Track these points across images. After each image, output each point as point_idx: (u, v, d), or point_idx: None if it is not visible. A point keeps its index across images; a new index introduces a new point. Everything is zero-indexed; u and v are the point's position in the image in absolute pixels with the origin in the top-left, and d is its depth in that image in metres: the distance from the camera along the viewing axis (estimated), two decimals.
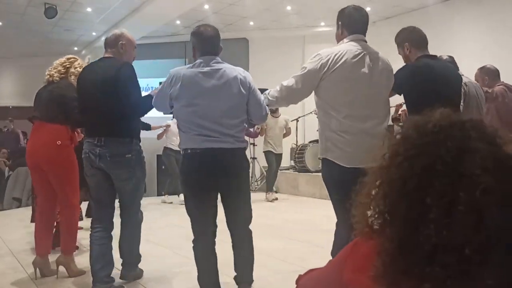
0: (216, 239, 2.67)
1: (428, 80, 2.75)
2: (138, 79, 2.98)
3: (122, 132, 2.94)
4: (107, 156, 2.90)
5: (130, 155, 2.94)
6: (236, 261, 2.69)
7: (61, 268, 3.44)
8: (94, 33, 10.20)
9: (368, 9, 3.34)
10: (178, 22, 9.42)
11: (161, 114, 3.21)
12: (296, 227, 5.53)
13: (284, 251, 4.28)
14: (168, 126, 7.43)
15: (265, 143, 7.93)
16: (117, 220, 3.14)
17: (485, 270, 0.70)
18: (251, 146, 8.72)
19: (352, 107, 2.47)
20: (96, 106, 2.94)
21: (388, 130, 2.65)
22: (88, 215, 5.70)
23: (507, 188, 0.73)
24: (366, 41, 2.61)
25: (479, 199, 0.71)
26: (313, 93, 2.60)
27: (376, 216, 0.81)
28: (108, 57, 3.06)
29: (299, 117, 8.78)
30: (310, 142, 8.92)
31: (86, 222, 5.42)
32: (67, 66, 3.50)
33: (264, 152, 7.96)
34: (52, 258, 3.49)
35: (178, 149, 7.75)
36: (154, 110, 2.93)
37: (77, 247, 4.27)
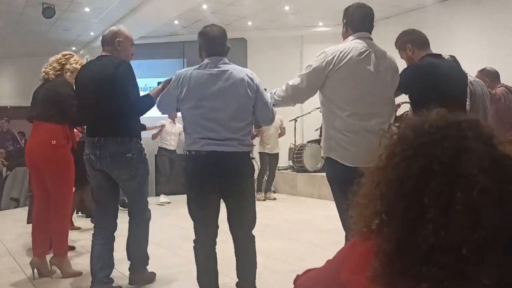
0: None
1: (433, 79, 2.73)
2: (137, 79, 2.96)
3: (121, 131, 2.91)
4: (107, 157, 2.88)
5: (131, 155, 2.92)
6: (238, 266, 2.64)
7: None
8: (92, 33, 10.19)
9: None
10: (176, 22, 9.41)
11: (156, 114, 3.19)
12: (295, 227, 5.54)
13: (282, 251, 4.28)
14: (163, 126, 7.43)
15: (261, 144, 7.94)
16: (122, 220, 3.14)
17: (482, 270, 0.71)
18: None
19: (357, 105, 2.46)
20: (94, 106, 2.92)
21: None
22: (87, 215, 5.70)
23: (504, 188, 0.73)
24: (371, 39, 2.60)
25: (476, 199, 0.71)
26: (317, 91, 2.59)
27: (374, 216, 0.82)
28: (106, 55, 3.01)
29: (297, 117, 8.78)
30: (308, 142, 8.93)
31: (85, 222, 5.42)
32: (63, 62, 3.46)
33: (259, 153, 7.97)
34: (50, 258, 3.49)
35: (172, 148, 7.77)
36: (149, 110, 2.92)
37: (73, 248, 4.26)
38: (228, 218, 2.60)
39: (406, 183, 0.76)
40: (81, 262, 3.80)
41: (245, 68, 2.62)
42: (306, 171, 8.38)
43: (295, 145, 8.84)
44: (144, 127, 4.45)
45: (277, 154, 8.13)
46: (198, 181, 2.53)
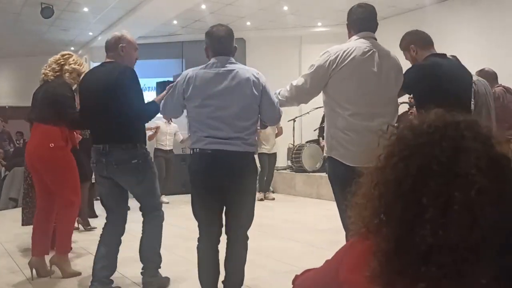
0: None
1: (436, 79, 2.72)
2: None
3: (126, 138, 2.90)
4: (113, 164, 2.89)
5: (137, 161, 2.91)
6: (228, 263, 2.65)
7: (56, 269, 3.43)
8: (90, 33, 10.17)
9: None
10: (175, 22, 9.40)
11: None
12: (293, 227, 5.54)
13: (281, 251, 4.28)
14: (158, 127, 7.43)
15: (258, 144, 7.94)
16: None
17: (480, 270, 0.71)
18: None
19: (359, 105, 2.46)
20: (99, 113, 2.92)
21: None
22: (90, 215, 5.65)
23: (502, 187, 0.73)
24: (375, 38, 2.59)
25: (474, 199, 0.71)
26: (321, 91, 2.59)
27: (372, 216, 0.82)
28: (109, 61, 3.00)
29: (296, 117, 8.78)
30: (307, 142, 8.93)
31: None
32: (62, 63, 3.44)
33: (258, 153, 7.97)
34: (48, 259, 3.48)
35: (168, 148, 7.77)
36: None
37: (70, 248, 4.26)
38: (225, 215, 2.61)
39: (404, 183, 0.76)
40: (81, 263, 3.80)
41: (251, 68, 2.63)
42: (304, 171, 8.38)
43: (293, 145, 8.84)
44: None
45: (275, 154, 8.14)
46: (202, 179, 2.54)
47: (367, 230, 0.83)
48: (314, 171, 8.33)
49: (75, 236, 4.65)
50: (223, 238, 2.65)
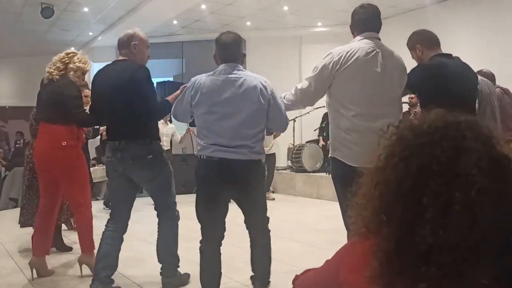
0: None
1: (441, 79, 2.73)
2: None
3: (141, 134, 2.94)
4: (129, 160, 2.92)
5: (152, 156, 2.95)
6: (254, 261, 2.72)
7: (57, 269, 3.43)
8: (91, 33, 10.18)
9: None
10: (175, 22, 9.40)
11: None
12: (294, 227, 5.53)
13: (281, 251, 4.26)
14: None
15: None
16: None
17: (480, 270, 0.71)
18: None
19: (363, 106, 2.46)
20: (114, 110, 2.95)
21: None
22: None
23: (502, 188, 0.73)
24: (379, 39, 2.59)
25: (475, 199, 0.71)
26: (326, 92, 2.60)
27: (373, 216, 0.82)
28: (122, 59, 3.03)
29: (296, 117, 8.78)
30: (307, 142, 8.92)
31: None
32: (66, 61, 3.42)
33: None
34: (49, 259, 3.49)
35: (165, 149, 7.77)
36: None
37: (70, 249, 4.25)
38: (244, 219, 2.69)
39: (405, 183, 0.76)
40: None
41: (259, 76, 2.64)
42: (304, 171, 8.38)
43: (293, 145, 8.84)
44: None
45: (274, 154, 8.16)
46: (207, 186, 2.57)
47: (367, 230, 0.83)
48: (314, 171, 8.32)
49: (74, 236, 4.66)
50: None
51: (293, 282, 1.11)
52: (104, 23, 9.30)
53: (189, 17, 8.94)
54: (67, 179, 3.34)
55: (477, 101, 3.47)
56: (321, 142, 8.57)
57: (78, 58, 3.46)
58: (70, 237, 4.51)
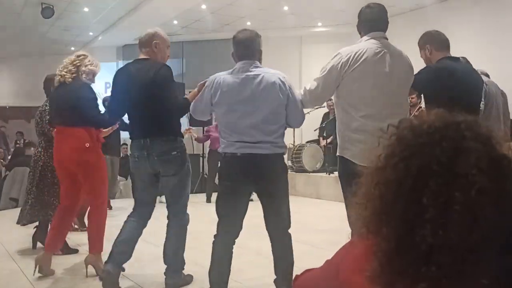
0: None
1: (447, 81, 2.76)
2: None
3: (166, 131, 2.99)
4: (155, 156, 2.96)
5: (176, 152, 2.99)
6: (276, 263, 2.76)
7: (57, 269, 3.43)
8: (91, 33, 10.19)
9: None
10: (175, 22, 9.41)
11: None
12: (294, 227, 5.48)
13: None
14: None
15: None
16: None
17: (480, 270, 0.71)
18: None
19: (372, 106, 2.48)
20: (138, 109, 2.99)
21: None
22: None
23: (502, 188, 0.73)
24: (386, 38, 2.60)
25: (475, 199, 0.71)
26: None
27: (373, 216, 0.82)
28: (144, 58, 3.07)
29: None
30: (307, 142, 8.92)
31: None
32: (77, 64, 3.44)
33: None
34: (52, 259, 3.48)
35: None
36: None
37: (76, 251, 4.24)
38: (264, 217, 2.71)
39: (405, 183, 0.76)
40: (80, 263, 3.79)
41: (277, 71, 2.67)
42: (305, 171, 8.38)
43: (294, 145, 8.84)
44: None
45: None
46: (230, 182, 2.61)
47: (367, 230, 0.83)
48: (314, 171, 8.32)
49: (73, 236, 4.66)
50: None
51: (293, 282, 1.11)
52: (104, 23, 9.30)
53: (189, 17, 8.95)
54: (90, 179, 3.37)
55: (482, 102, 3.51)
56: (322, 143, 8.57)
57: (89, 61, 3.49)
58: (77, 239, 4.51)
